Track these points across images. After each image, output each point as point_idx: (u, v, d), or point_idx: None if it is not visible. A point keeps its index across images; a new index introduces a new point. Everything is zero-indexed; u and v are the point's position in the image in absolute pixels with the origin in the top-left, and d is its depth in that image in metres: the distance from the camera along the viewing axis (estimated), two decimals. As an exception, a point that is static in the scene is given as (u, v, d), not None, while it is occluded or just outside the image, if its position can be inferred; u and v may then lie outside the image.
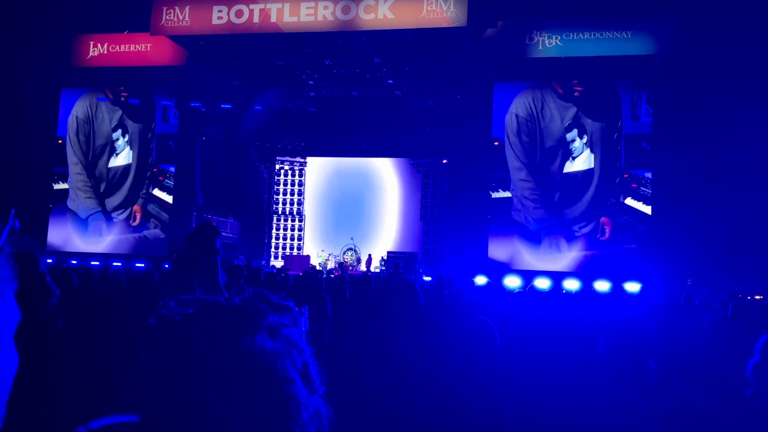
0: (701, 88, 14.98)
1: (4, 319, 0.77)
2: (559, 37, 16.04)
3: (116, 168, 18.25)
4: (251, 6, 16.59)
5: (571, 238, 15.12)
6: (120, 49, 18.88)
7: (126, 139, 18.36)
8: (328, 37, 16.64)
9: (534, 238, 15.36)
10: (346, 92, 19.22)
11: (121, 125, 18.47)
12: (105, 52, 18.97)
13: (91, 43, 19.03)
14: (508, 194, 15.69)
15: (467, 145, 18.17)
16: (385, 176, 22.59)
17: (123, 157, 18.26)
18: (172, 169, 18.16)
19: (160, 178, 18.11)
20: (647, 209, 14.75)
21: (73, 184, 18.45)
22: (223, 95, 19.67)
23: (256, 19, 16.55)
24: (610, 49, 15.72)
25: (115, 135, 18.45)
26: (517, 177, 15.66)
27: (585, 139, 15.41)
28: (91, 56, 19.08)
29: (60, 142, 18.76)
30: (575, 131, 15.42)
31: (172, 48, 18.22)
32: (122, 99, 18.69)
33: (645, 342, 3.18)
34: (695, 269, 15.15)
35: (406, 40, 16.34)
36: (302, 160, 23.42)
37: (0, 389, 0.77)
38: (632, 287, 13.34)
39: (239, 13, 16.67)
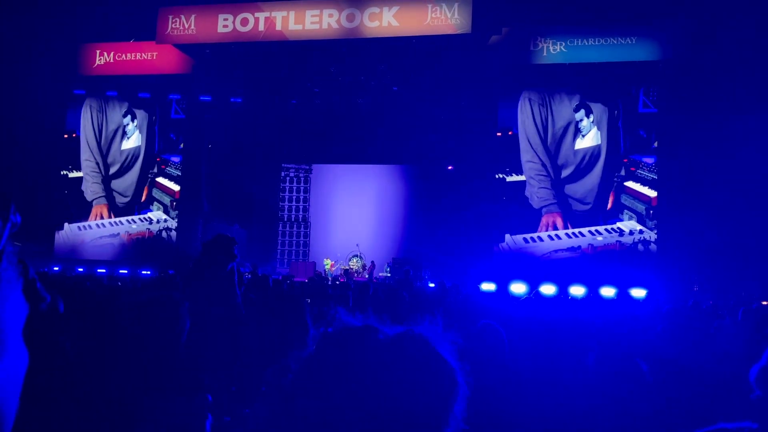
0: (706, 93, 14.93)
1: (12, 317, 0.79)
2: (564, 44, 16.07)
3: (128, 150, 19.49)
4: (256, 14, 16.68)
5: (568, 216, 16.14)
6: (126, 57, 18.99)
7: (135, 123, 19.48)
8: (333, 45, 16.71)
9: (535, 214, 16.37)
10: (351, 99, 19.26)
11: (130, 112, 19.53)
12: (111, 60, 19.09)
13: (98, 51, 19.14)
14: (522, 177, 16.71)
15: (473, 152, 18.15)
16: (391, 183, 22.58)
17: (134, 140, 19.46)
18: (175, 159, 19.21)
19: (163, 167, 19.27)
20: (644, 189, 15.69)
21: (83, 171, 19.66)
22: (228, 103, 19.73)
23: (261, 27, 16.65)
24: (615, 55, 15.75)
25: (125, 120, 19.52)
26: (524, 158, 16.56)
27: (592, 118, 16.20)
28: (98, 65, 19.20)
29: (75, 135, 19.72)
30: (582, 111, 16.28)
31: (178, 56, 18.32)
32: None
33: (638, 345, 3.16)
34: (701, 275, 15.08)
35: (411, 48, 16.38)
36: (307, 167, 23.44)
37: (12, 383, 0.78)
38: (638, 293, 13.30)
39: (244, 22, 16.76)
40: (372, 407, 0.90)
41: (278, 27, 16.56)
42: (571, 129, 16.25)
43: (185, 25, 17.22)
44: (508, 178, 16.71)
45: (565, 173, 16.27)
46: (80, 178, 19.60)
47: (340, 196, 22.93)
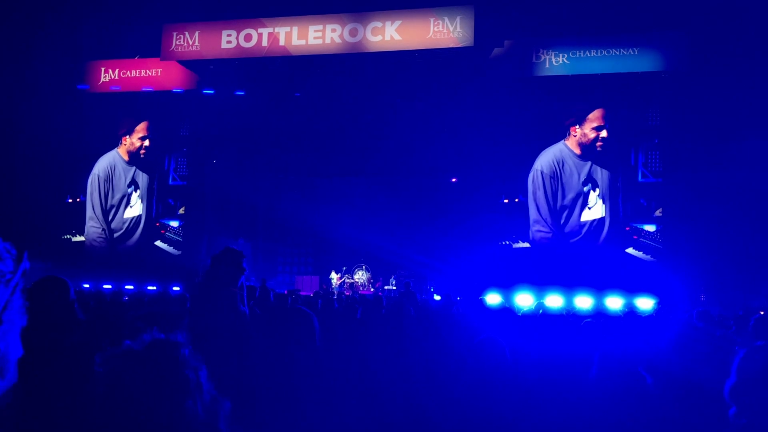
0: (709, 104, 14.93)
1: (15, 342, 0.86)
2: (566, 55, 16.10)
3: (130, 218, 19.93)
4: (260, 30, 16.80)
5: None
6: (131, 74, 19.12)
7: (138, 193, 19.87)
8: (337, 59, 16.79)
9: None
10: (355, 113, 19.31)
11: (133, 182, 19.84)
12: (116, 77, 19.22)
13: (103, 68, 19.28)
14: (527, 245, 16.95)
15: (476, 164, 18.17)
16: (395, 195, 22.60)
17: (136, 209, 19.88)
18: (173, 223, 19.66)
19: (162, 231, 19.69)
20: (647, 257, 15.88)
21: (88, 236, 19.86)
22: (232, 117, 19.81)
23: (264, 43, 16.76)
24: (617, 66, 15.77)
25: (129, 190, 19.90)
26: (534, 228, 16.81)
27: (597, 192, 16.43)
28: (103, 82, 19.33)
29: (79, 200, 20.22)
30: (590, 185, 16.55)
31: (183, 72, 18.44)
32: (141, 154, 19.74)
33: (641, 356, 3.14)
34: (707, 285, 15.03)
35: (414, 61, 16.45)
36: (312, 180, 23.47)
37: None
38: (645, 303, 13.25)
39: (248, 37, 16.88)
40: None
41: (282, 42, 16.67)
42: (580, 201, 16.55)
43: (189, 42, 17.35)
44: (515, 245, 17.04)
45: (571, 240, 16.60)
46: (83, 242, 19.90)
47: (344, 209, 22.96)
